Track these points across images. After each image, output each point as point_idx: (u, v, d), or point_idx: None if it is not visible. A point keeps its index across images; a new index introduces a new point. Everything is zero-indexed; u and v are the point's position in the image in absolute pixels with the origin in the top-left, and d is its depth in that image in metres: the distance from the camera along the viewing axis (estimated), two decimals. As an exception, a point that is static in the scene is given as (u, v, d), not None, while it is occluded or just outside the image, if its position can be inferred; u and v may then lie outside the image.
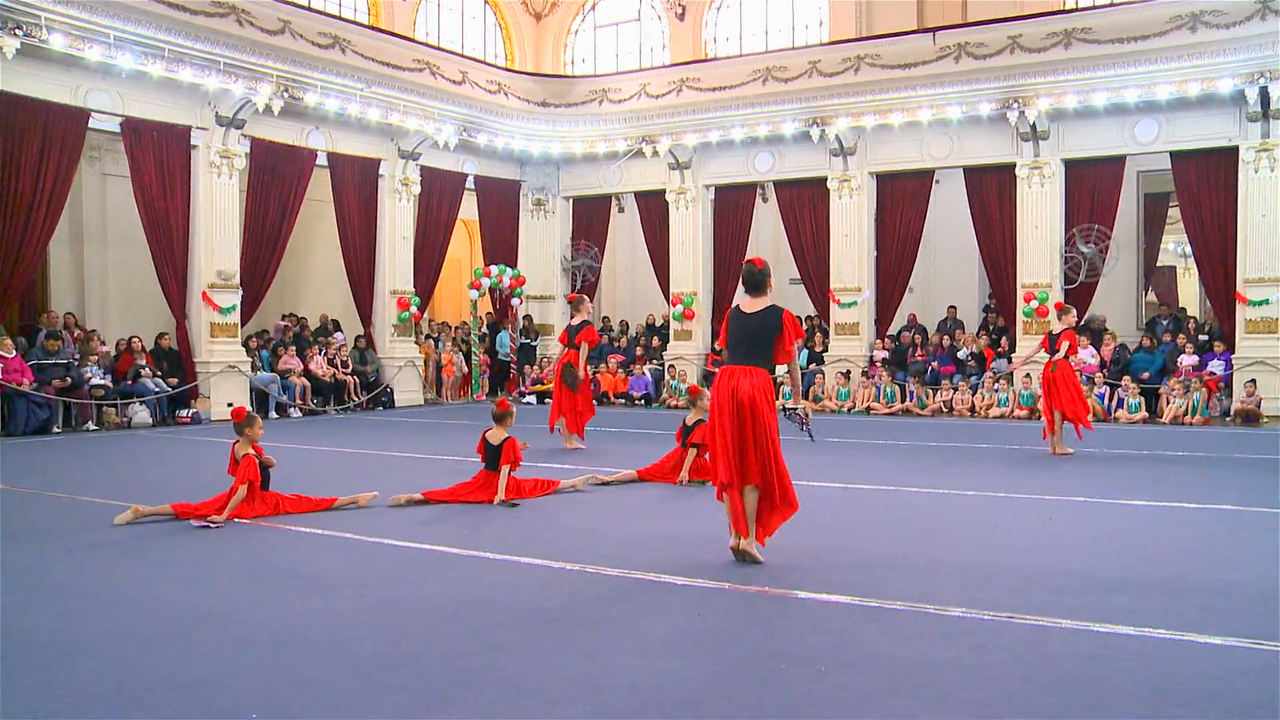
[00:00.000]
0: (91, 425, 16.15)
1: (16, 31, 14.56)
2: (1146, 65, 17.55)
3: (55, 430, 15.70)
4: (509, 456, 9.32)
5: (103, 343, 17.31)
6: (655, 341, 23.36)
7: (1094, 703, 4.33)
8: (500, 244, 23.70)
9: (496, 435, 9.39)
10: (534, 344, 24.01)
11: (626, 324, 24.88)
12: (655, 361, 22.83)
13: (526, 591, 6.11)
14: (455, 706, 4.35)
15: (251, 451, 8.63)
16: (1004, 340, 19.80)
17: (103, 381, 16.53)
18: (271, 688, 4.57)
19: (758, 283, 7.09)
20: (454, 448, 12.89)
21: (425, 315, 22.95)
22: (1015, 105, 18.50)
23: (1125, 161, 18.82)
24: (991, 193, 19.68)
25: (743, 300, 7.16)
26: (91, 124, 16.41)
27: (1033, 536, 7.94)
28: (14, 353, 15.47)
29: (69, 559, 7.22)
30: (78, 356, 16.64)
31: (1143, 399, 17.36)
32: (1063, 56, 18.16)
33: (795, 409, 7.12)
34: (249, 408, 8.83)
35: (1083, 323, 19.29)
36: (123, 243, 18.74)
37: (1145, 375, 17.84)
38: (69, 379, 15.98)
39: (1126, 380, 17.51)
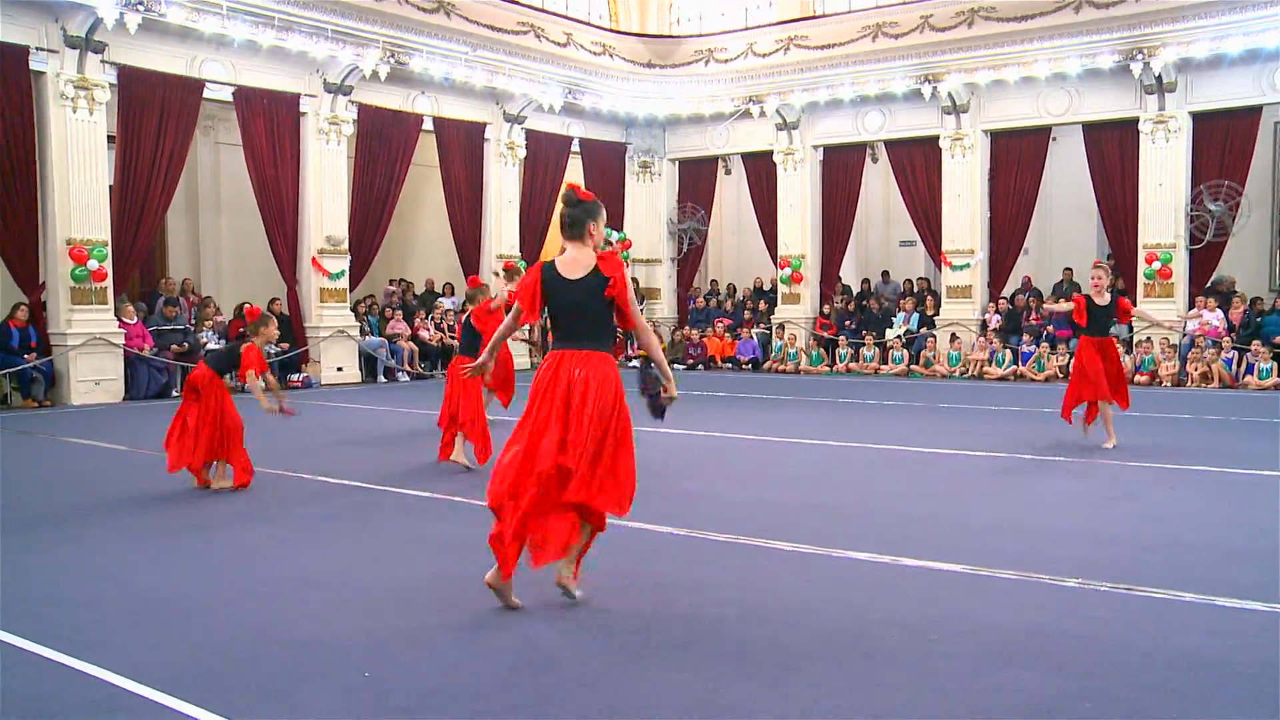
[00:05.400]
0: (208, 389, 16.55)
1: (138, 8, 14.89)
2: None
3: (174, 394, 16.12)
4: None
5: (218, 310, 17.72)
6: (762, 305, 23.10)
7: (1218, 681, 4.12)
8: (606, 207, 23.52)
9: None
10: (641, 308, 23.87)
11: (734, 287, 24.64)
12: (762, 325, 22.59)
13: (632, 557, 6.03)
14: (566, 669, 4.32)
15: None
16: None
17: (218, 346, 16.94)
18: (381, 647, 4.58)
19: (576, 221, 5.18)
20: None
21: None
22: (1139, 56, 17.64)
23: (1261, 112, 17.82)
24: (1112, 149, 18.88)
25: (561, 256, 5.19)
26: (205, 94, 16.74)
27: (1152, 506, 7.63)
28: (135, 319, 15.94)
29: (189, 519, 7.38)
30: (194, 322, 17.09)
31: (1275, 364, 16.55)
32: (1194, 0, 17.19)
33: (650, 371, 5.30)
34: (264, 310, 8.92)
35: (1210, 284, 18.50)
36: (236, 210, 19.16)
37: (1278, 339, 16.98)
38: (186, 344, 16.43)
39: (1256, 345, 16.72)
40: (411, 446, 10.67)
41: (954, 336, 19.71)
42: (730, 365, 21.70)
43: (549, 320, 5.17)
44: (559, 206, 5.33)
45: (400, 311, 19.86)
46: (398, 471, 9.23)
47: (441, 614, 5.04)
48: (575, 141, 22.78)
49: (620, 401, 5.04)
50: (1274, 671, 4.18)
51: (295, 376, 17.65)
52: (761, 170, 22.85)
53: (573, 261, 5.10)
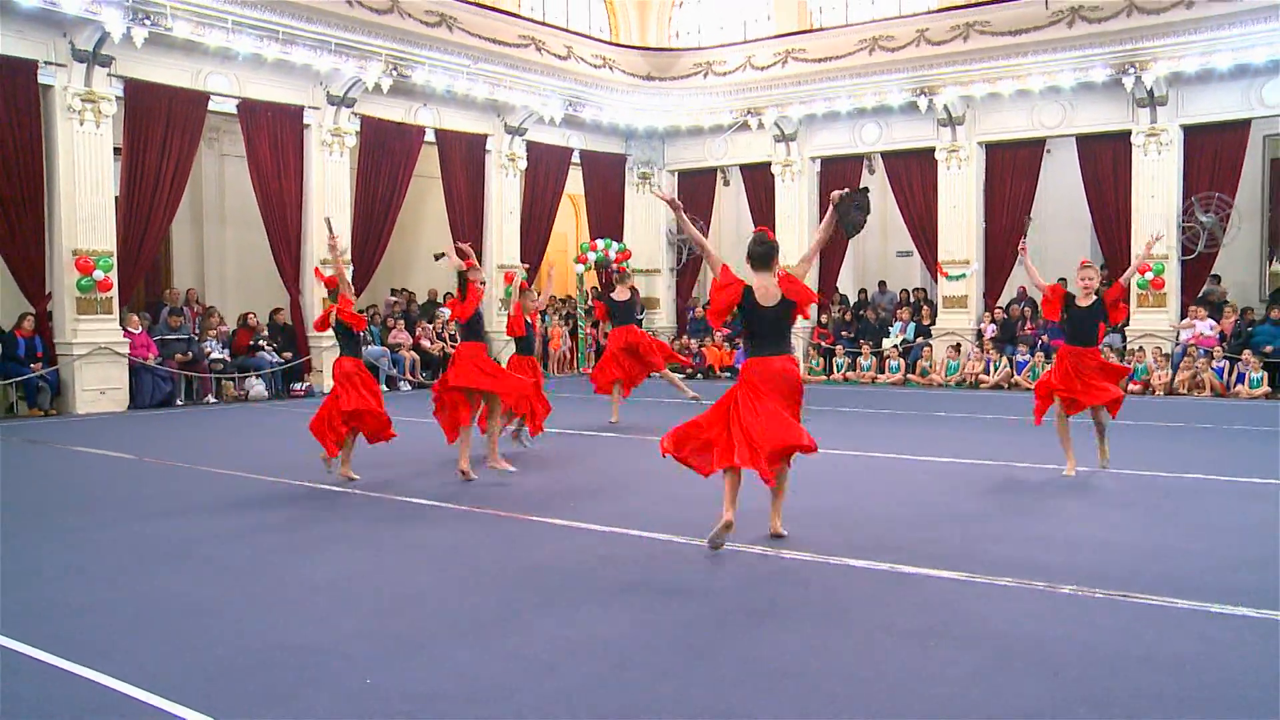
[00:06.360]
0: (211, 398, 16.72)
1: (145, 22, 15.07)
2: (1275, 22, 16.69)
3: (178, 403, 16.28)
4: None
5: (222, 320, 17.84)
6: (760, 315, 23.18)
7: (1215, 686, 4.20)
8: (606, 218, 23.76)
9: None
10: (640, 318, 23.97)
11: (732, 298, 24.72)
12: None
13: (632, 564, 6.16)
14: (567, 675, 4.40)
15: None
16: (1119, 312, 19.19)
17: (221, 356, 17.10)
18: (385, 653, 4.66)
19: (766, 255, 6.57)
20: (559, 420, 13.00)
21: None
22: (1131, 70, 17.86)
23: (1250, 126, 18.04)
24: (1105, 161, 19.07)
25: (754, 282, 6.52)
26: (210, 106, 16.89)
27: (1146, 513, 7.74)
28: (140, 328, 16.07)
29: (192, 526, 7.49)
30: (198, 332, 17.23)
31: (1266, 373, 16.73)
32: (1184, 17, 17.39)
33: None
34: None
35: (1201, 295, 18.68)
36: (240, 221, 19.29)
37: (1269, 349, 17.15)
38: (190, 353, 16.57)
39: (1247, 354, 16.90)
40: (413, 453, 10.77)
41: (956, 346, 19.83)
42: (729, 374, 21.81)
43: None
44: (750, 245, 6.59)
45: (402, 321, 19.99)
46: (400, 478, 9.35)
47: (444, 619, 5.14)
48: (575, 153, 22.95)
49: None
50: (1268, 677, 4.27)
51: (298, 386, 17.78)
52: (760, 181, 23.00)
53: (763, 289, 6.45)
